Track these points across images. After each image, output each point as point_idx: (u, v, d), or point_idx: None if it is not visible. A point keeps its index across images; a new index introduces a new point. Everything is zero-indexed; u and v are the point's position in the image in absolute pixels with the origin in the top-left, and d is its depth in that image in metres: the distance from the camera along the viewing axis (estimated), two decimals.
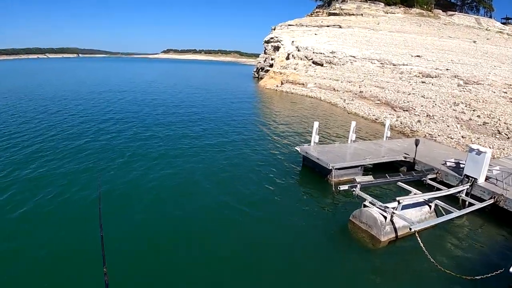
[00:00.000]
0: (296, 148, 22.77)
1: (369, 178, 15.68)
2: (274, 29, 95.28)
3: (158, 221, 14.87)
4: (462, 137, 27.85)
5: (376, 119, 37.25)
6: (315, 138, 22.65)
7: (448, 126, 30.37)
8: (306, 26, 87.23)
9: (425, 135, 29.16)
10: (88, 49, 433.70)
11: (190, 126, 34.00)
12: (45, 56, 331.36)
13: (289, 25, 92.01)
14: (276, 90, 67.28)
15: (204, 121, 37.04)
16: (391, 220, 13.27)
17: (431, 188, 16.89)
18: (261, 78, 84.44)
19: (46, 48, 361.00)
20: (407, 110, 37.14)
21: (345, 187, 15.49)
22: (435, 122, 31.89)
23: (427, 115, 34.07)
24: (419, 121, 33.01)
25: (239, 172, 21.52)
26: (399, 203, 13.41)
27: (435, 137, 28.22)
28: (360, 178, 15.38)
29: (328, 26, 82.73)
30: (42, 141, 25.79)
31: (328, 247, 13.65)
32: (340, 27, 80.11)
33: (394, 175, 16.36)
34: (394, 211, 13.24)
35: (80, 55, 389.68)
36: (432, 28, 75.17)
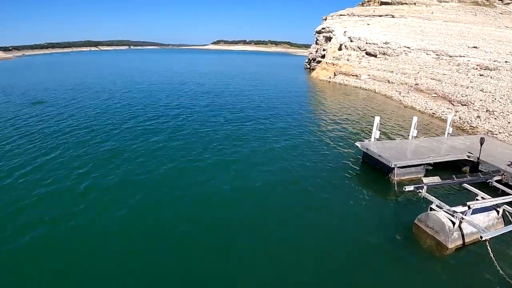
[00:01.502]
0: (356, 143, 22.85)
1: (436, 179, 14.72)
2: (326, 19, 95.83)
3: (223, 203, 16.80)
4: None
5: (433, 113, 38.08)
6: (375, 133, 22.48)
7: (509, 123, 30.86)
8: (358, 16, 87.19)
9: (486, 132, 29.82)
10: (139, 41, 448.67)
11: (247, 117, 36.14)
12: (97, 49, 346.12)
13: (340, 15, 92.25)
14: (329, 81, 68.59)
15: (259, 113, 38.81)
16: (459, 226, 12.82)
17: (496, 191, 16.00)
18: (313, 69, 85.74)
19: (98, 41, 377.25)
20: (465, 105, 37.72)
21: (411, 187, 14.80)
22: (495, 118, 32.46)
23: (486, 111, 34.61)
24: (478, 116, 33.67)
25: (295, 167, 21.86)
26: (469, 207, 12.88)
27: (496, 135, 28.90)
28: (427, 179, 14.61)
29: (380, 15, 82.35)
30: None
31: (390, 250, 13.33)
32: (393, 16, 79.56)
33: (461, 176, 15.67)
34: (464, 217, 12.67)
35: (131, 47, 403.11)
36: (488, 17, 73.20)
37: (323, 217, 15.78)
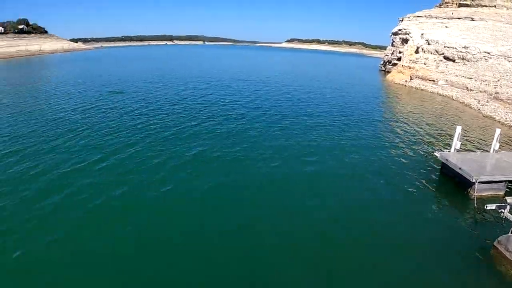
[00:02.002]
0: (435, 153, 23.10)
1: None
2: (402, 20, 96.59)
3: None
4: None
5: None
6: (456, 144, 22.21)
7: None
8: (436, 17, 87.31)
9: None
10: (214, 37, 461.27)
11: (320, 117, 39.46)
12: (172, 43, 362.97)
13: (417, 16, 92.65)
14: (405, 85, 70.43)
15: (333, 114, 41.79)
16: None
17: None
18: (388, 72, 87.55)
19: (174, 35, 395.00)
20: None
21: (493, 206, 14.48)
22: None
23: None
24: None
25: (368, 171, 22.80)
26: None
27: None
28: (511, 199, 13.98)
29: (459, 18, 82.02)
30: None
31: (465, 272, 13.01)
32: (472, 19, 79.03)
33: None
34: None
35: (206, 42, 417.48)
36: None
37: (395, 226, 16.29)
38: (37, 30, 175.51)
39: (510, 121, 40.74)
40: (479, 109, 47.46)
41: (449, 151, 22.67)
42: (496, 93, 50.88)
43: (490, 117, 43.61)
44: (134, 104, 42.68)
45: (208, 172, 22.23)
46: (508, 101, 47.08)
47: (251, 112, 40.66)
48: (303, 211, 17.70)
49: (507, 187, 20.28)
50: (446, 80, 63.72)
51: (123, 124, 32.67)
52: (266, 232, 15.87)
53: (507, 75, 55.12)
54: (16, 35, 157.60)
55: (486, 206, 15.24)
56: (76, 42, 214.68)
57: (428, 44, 77.25)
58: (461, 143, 23.88)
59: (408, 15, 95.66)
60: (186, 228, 16.10)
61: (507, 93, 49.32)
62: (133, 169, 22.16)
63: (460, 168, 19.55)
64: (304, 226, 16.26)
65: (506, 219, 14.19)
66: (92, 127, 31.56)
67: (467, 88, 57.44)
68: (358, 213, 17.68)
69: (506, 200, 14.44)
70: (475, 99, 51.83)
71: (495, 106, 47.02)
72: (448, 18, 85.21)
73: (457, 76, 63.26)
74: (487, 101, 49.50)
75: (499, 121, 41.42)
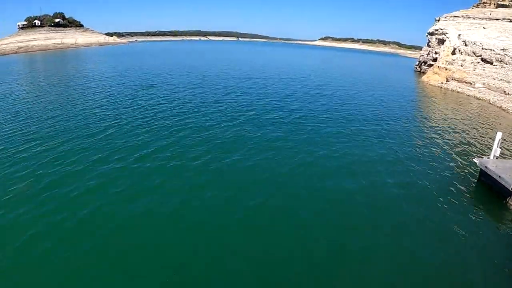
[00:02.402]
0: (474, 160, 22.36)
1: None
2: (439, 20, 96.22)
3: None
4: None
5: None
6: (496, 151, 21.54)
7: None
8: (473, 18, 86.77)
9: None
10: (247, 33, 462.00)
11: (354, 118, 40.16)
12: (206, 38, 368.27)
13: (454, 16, 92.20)
14: (441, 87, 70.93)
15: (366, 115, 42.28)
16: None
17: None
18: (424, 73, 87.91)
19: (208, 31, 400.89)
20: None
21: None
22: None
23: None
24: None
25: (404, 177, 22.75)
26: None
27: None
28: None
29: (497, 19, 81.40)
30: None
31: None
32: (511, 20, 78.43)
33: None
34: None
35: (240, 38, 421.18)
36: None
37: (428, 235, 16.11)
38: (73, 24, 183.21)
39: None
40: None
41: (488, 158, 22.08)
42: None
43: None
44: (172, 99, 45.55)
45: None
46: None
47: (293, 113, 40.88)
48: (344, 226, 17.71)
49: None
50: (483, 83, 63.94)
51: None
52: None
53: None
54: (52, 28, 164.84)
55: None
56: (111, 36, 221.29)
57: (465, 45, 77.29)
58: (500, 150, 23.30)
59: (445, 15, 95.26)
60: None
61: None
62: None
63: (499, 176, 19.00)
64: (347, 235, 16.57)
65: None
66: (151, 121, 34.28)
67: (505, 92, 57.75)
68: (392, 217, 17.97)
69: None
70: None
71: None
72: (486, 19, 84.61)
73: (494, 79, 63.39)
74: None
75: None
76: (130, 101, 43.40)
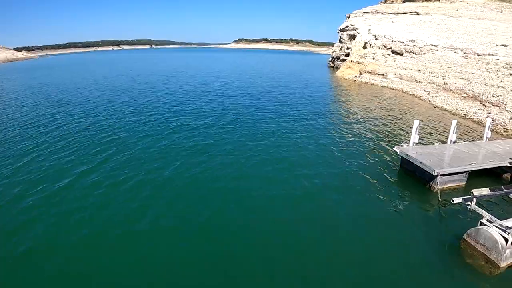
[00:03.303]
0: (394, 149, 22.17)
1: (485, 190, 14.04)
2: (349, 17, 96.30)
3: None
4: None
5: (465, 114, 38.44)
6: (414, 138, 21.75)
7: None
8: (382, 13, 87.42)
9: None
10: (161, 40, 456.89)
11: (272, 117, 36.98)
12: (119, 48, 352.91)
13: (364, 12, 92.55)
14: (355, 80, 69.24)
15: (284, 114, 39.60)
16: None
17: None
18: (337, 68, 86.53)
19: (120, 40, 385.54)
20: (497, 105, 38.13)
21: (459, 199, 14.30)
22: None
23: None
24: None
25: (325, 172, 21.73)
26: None
27: None
28: (477, 191, 13.82)
29: (404, 13, 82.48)
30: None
31: (436, 267, 12.74)
32: (418, 14, 79.57)
33: (509, 186, 15.01)
34: None
35: (153, 46, 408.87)
36: None
37: (359, 227, 15.59)
38: None
39: (461, 110, 39.86)
40: (429, 101, 46.56)
41: (408, 146, 22.08)
42: (444, 84, 50.08)
43: (441, 108, 42.71)
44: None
45: None
46: (457, 91, 46.30)
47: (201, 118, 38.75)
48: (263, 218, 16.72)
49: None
50: (395, 74, 62.86)
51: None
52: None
53: (454, 66, 54.83)
54: None
55: (453, 200, 14.72)
56: (20, 51, 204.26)
57: (376, 39, 76.72)
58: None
59: (355, 12, 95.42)
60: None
61: (455, 83, 48.60)
62: None
63: (421, 162, 19.17)
64: (268, 232, 15.50)
65: (474, 211, 13.78)
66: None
67: (416, 80, 56.62)
68: (315, 214, 16.86)
69: (472, 193, 13.96)
70: (424, 90, 50.93)
71: (445, 96, 46.17)
72: (394, 13, 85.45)
73: (405, 69, 62.55)
74: (437, 92, 48.70)
75: (450, 111, 40.62)
76: (48, 120, 36.66)
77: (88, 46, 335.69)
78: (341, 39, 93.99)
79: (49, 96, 52.68)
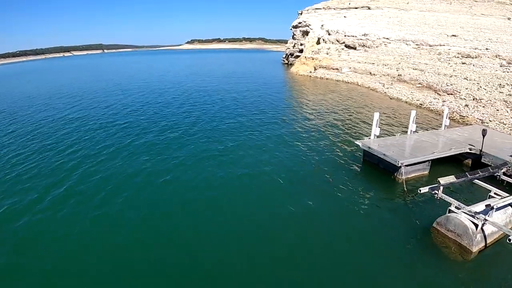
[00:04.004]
0: (356, 142, 21.68)
1: (451, 178, 13.87)
2: (301, 13, 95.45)
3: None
4: None
5: (421, 104, 37.85)
6: (375, 131, 21.65)
7: (497, 110, 30.89)
8: (334, 9, 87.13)
9: (476, 121, 29.73)
10: (113, 44, 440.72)
11: (227, 119, 34.45)
12: (70, 54, 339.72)
13: (316, 8, 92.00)
14: (310, 76, 68.09)
15: (240, 113, 37.27)
16: (482, 228, 12.24)
17: (502, 184, 16.01)
18: (292, 65, 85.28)
19: (71, 46, 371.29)
20: (451, 94, 37.68)
21: (426, 189, 14.12)
22: (484, 106, 32.44)
23: (473, 99, 34.56)
24: (466, 105, 33.60)
25: (285, 169, 20.61)
26: (492, 208, 12.17)
27: (487, 123, 28.77)
28: (443, 180, 13.64)
29: (356, 8, 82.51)
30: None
31: (408, 258, 12.47)
32: (369, 8, 79.73)
33: (473, 173, 14.88)
34: (487, 218, 12.07)
35: (105, 50, 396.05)
36: (463, 5, 74.06)
37: (324, 222, 14.96)
38: None
39: (417, 100, 39.27)
40: (385, 92, 45.86)
41: (369, 138, 21.90)
42: (399, 75, 49.61)
43: (397, 98, 42.10)
44: None
45: None
46: (412, 82, 45.86)
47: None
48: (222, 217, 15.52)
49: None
50: (350, 68, 62.13)
51: None
52: None
53: (407, 57, 54.76)
54: None
55: (420, 190, 14.32)
56: None
57: (329, 34, 76.04)
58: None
59: (307, 8, 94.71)
60: None
61: (409, 74, 48.25)
62: None
63: (384, 154, 18.89)
64: (230, 229, 14.48)
65: (441, 199, 13.71)
66: None
67: (370, 73, 56.01)
68: (279, 216, 15.52)
69: (439, 181, 13.66)
70: (379, 83, 50.28)
71: (400, 87, 45.63)
72: (346, 8, 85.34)
73: (359, 62, 61.98)
74: (391, 84, 48.13)
75: (406, 102, 40.10)
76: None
77: (38, 54, 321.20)
78: (294, 36, 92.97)
79: None
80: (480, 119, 30.10)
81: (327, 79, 62.77)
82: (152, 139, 27.46)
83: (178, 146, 25.57)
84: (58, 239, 13.96)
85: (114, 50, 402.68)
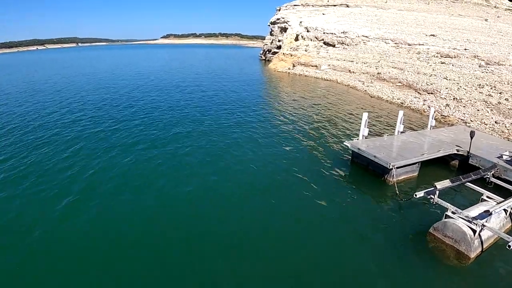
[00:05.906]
0: (345, 143, 20.73)
1: (447, 182, 13.59)
2: (279, 9, 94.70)
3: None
4: (496, 122, 28.16)
5: (402, 102, 37.43)
6: (364, 131, 20.96)
7: (478, 110, 30.77)
8: (312, 5, 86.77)
9: (457, 121, 29.54)
10: (88, 38, 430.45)
11: (207, 118, 32.55)
12: (44, 47, 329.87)
13: (294, 5, 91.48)
14: (288, 73, 67.20)
15: (220, 112, 35.39)
16: (479, 234, 12.03)
17: (489, 186, 15.83)
18: (269, 61, 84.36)
19: (45, 39, 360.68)
20: (432, 93, 37.51)
21: (421, 193, 13.82)
22: (464, 106, 32.30)
23: (454, 99, 34.44)
24: (447, 105, 33.40)
25: (273, 174, 19.31)
26: (490, 214, 11.91)
27: (469, 123, 28.57)
28: (439, 184, 13.30)
29: (334, 5, 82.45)
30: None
31: (404, 263, 12.12)
32: (348, 6, 79.78)
33: (466, 176, 14.49)
34: (485, 224, 11.89)
35: (80, 44, 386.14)
36: (440, 6, 75.02)
37: (314, 227, 14.11)
38: None
39: (398, 99, 38.83)
40: (365, 90, 45.34)
41: (357, 139, 21.29)
42: (378, 73, 49.35)
43: (378, 97, 41.48)
44: None
45: None
46: (391, 80, 45.61)
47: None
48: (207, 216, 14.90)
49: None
50: (329, 65, 61.61)
51: None
52: None
53: (386, 56, 54.67)
54: None
55: (415, 195, 13.85)
56: None
57: (308, 31, 75.53)
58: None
59: (285, 5, 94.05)
60: None
61: (389, 73, 48.05)
62: None
63: (375, 156, 18.21)
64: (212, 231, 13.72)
65: (437, 204, 13.36)
66: None
67: (349, 71, 55.63)
68: (268, 220, 14.66)
69: (436, 186, 13.23)
70: (359, 80, 49.83)
71: (380, 86, 45.23)
72: (324, 5, 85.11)
73: (338, 60, 61.61)
74: (371, 82, 47.73)
75: (387, 100, 39.46)
76: None
77: (11, 47, 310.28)
78: (272, 32, 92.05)
79: None
80: (461, 119, 29.83)
81: (306, 76, 61.97)
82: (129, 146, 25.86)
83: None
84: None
85: (88, 44, 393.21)
